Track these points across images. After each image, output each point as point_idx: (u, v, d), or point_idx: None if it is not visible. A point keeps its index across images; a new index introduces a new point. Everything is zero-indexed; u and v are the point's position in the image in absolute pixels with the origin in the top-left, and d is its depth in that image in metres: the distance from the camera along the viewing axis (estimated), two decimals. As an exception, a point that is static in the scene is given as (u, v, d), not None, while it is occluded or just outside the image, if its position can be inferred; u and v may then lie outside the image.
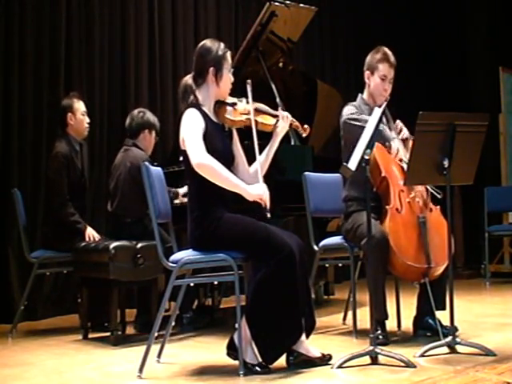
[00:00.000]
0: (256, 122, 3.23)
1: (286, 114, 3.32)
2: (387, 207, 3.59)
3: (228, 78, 3.25)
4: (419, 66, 8.44)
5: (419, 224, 3.54)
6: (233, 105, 3.25)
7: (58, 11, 5.39)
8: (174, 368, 3.22)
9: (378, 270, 3.42)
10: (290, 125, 3.36)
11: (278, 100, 4.70)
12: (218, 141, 3.16)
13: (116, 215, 4.50)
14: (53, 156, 4.52)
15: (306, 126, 3.38)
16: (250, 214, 3.21)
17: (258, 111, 3.27)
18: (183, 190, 4.45)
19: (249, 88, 3.23)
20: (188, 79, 3.27)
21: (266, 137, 3.34)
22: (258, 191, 3.05)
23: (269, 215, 3.04)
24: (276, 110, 3.42)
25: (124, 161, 4.51)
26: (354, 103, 3.89)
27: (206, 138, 3.10)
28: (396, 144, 3.63)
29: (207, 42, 3.28)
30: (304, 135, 3.39)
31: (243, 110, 3.25)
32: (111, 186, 4.57)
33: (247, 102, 3.26)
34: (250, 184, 3.15)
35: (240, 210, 3.22)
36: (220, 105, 3.25)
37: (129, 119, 4.62)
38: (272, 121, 3.29)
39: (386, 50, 3.87)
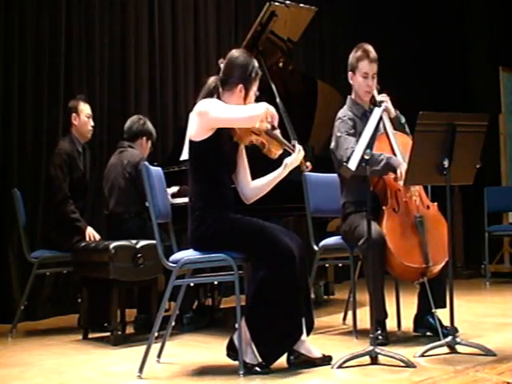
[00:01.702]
0: (263, 144, 3.20)
1: (300, 147, 3.26)
2: (384, 208, 3.58)
3: (251, 99, 3.23)
4: (419, 65, 8.44)
5: (416, 223, 3.54)
6: None
7: (58, 11, 5.39)
8: (174, 368, 3.22)
9: (377, 270, 3.42)
10: None
11: (277, 100, 4.70)
12: (224, 144, 3.15)
13: (114, 213, 4.52)
14: (56, 153, 4.57)
15: (308, 163, 3.32)
16: (250, 214, 3.21)
17: (269, 135, 3.21)
18: (171, 190, 4.45)
19: None
20: (216, 81, 3.22)
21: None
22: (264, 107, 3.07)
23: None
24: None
25: (120, 161, 4.58)
26: (342, 115, 3.82)
27: (215, 137, 3.09)
28: (404, 168, 3.50)
29: (243, 57, 3.23)
30: (305, 172, 3.37)
31: (256, 129, 3.19)
32: (107, 187, 4.60)
33: (261, 121, 3.24)
34: (249, 196, 3.29)
35: (241, 210, 3.22)
36: None
37: (129, 123, 4.70)
38: (279, 149, 3.25)
39: (366, 46, 3.83)
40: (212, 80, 3.25)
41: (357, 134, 3.64)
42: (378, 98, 3.74)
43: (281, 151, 3.26)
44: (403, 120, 3.87)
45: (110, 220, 4.64)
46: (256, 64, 3.24)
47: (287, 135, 4.38)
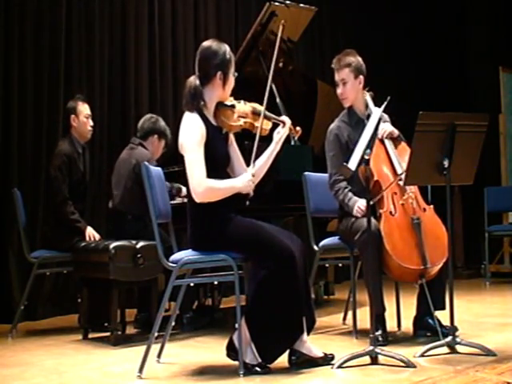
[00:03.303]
0: (253, 125, 3.21)
1: (284, 117, 3.28)
2: (381, 211, 3.57)
3: (232, 81, 3.23)
4: (419, 65, 8.44)
5: (413, 225, 3.53)
6: (231, 107, 3.21)
7: (58, 11, 5.40)
8: (174, 368, 3.22)
9: (374, 264, 3.42)
10: None
11: (277, 100, 4.69)
12: (217, 146, 3.14)
13: (117, 212, 4.52)
14: (55, 154, 4.56)
15: (298, 128, 3.33)
16: (251, 214, 3.21)
17: (255, 114, 3.22)
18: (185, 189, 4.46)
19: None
20: (195, 81, 3.18)
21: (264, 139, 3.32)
22: (248, 186, 3.10)
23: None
24: (274, 109, 3.39)
25: (129, 158, 4.58)
26: (328, 131, 3.87)
27: (207, 144, 3.07)
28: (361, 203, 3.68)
29: (213, 45, 3.21)
30: (295, 137, 3.36)
31: (242, 112, 3.21)
32: (113, 181, 4.60)
33: (245, 103, 3.25)
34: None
35: (241, 210, 3.22)
36: (219, 107, 3.21)
37: (142, 121, 4.74)
38: (268, 125, 3.25)
39: (338, 56, 3.87)
40: (191, 81, 3.20)
41: (350, 143, 3.68)
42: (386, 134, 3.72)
43: (270, 125, 3.26)
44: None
45: (112, 216, 4.63)
46: (228, 48, 3.24)
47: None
